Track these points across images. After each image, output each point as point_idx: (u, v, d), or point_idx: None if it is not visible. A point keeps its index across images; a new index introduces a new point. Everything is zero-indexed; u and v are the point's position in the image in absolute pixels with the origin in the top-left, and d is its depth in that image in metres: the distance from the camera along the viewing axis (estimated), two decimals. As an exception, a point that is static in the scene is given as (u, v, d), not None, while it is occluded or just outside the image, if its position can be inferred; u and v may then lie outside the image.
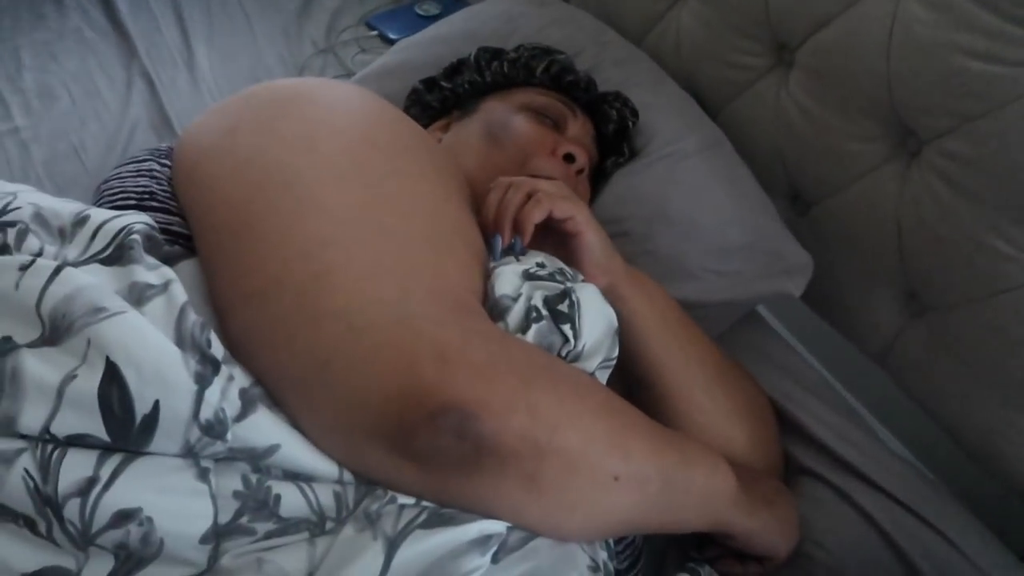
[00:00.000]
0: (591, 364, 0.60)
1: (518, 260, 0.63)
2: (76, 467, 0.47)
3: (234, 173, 0.60)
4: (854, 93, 0.81)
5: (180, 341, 0.51)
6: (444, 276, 0.57)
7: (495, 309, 0.59)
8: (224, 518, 0.49)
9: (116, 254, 0.54)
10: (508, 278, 0.60)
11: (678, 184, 0.86)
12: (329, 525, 0.51)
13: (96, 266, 0.54)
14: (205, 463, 0.50)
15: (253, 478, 0.51)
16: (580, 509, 0.53)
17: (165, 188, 0.67)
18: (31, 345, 0.49)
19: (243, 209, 0.58)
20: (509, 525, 0.51)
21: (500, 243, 0.64)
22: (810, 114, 0.86)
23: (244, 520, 0.50)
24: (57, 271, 0.51)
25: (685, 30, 1.00)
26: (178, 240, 0.63)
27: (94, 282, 0.51)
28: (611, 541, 0.61)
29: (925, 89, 0.74)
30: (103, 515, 0.47)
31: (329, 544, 0.49)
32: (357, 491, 0.52)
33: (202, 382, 0.49)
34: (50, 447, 0.48)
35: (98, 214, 0.57)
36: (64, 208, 0.57)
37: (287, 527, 0.50)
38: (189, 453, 0.50)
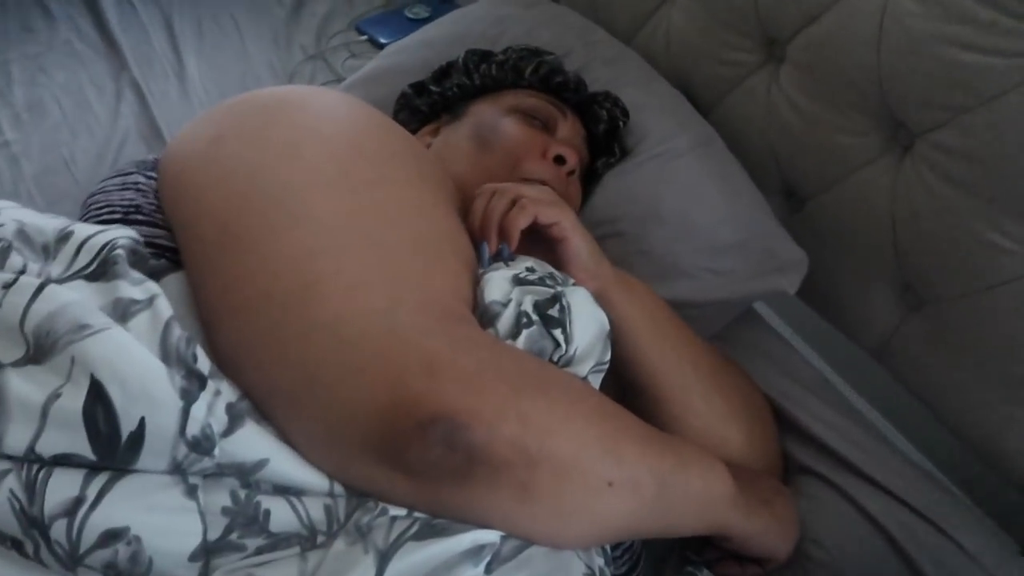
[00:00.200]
0: (583, 368, 0.60)
1: (507, 266, 0.63)
2: (62, 487, 0.47)
3: (219, 183, 0.59)
4: (845, 87, 0.80)
5: (165, 357, 0.50)
6: (432, 284, 0.56)
7: (485, 315, 0.58)
8: (213, 535, 0.49)
9: (100, 270, 0.54)
10: (497, 284, 0.60)
11: (670, 183, 0.86)
12: (320, 539, 0.50)
13: (80, 282, 0.53)
14: (193, 480, 0.50)
15: (242, 494, 0.50)
16: (574, 516, 0.52)
17: (151, 201, 0.66)
18: (15, 364, 0.49)
19: (229, 220, 0.57)
20: (503, 534, 0.51)
21: (487, 250, 0.63)
22: (802, 109, 0.85)
23: (234, 536, 0.49)
24: (40, 288, 0.51)
25: (675, 28, 0.99)
26: (164, 253, 0.62)
27: (78, 299, 0.51)
28: (608, 547, 0.61)
29: (916, 82, 0.73)
30: (90, 535, 0.46)
31: (320, 558, 0.49)
32: (348, 504, 0.51)
33: (188, 398, 0.49)
34: (35, 467, 0.47)
35: (81, 229, 0.56)
36: (48, 224, 0.57)
37: (278, 542, 0.50)
38: (177, 470, 0.49)
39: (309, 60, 1.25)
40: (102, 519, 0.47)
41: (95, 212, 0.67)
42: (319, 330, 0.51)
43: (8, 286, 0.50)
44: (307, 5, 1.36)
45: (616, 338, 0.64)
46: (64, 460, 0.48)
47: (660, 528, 0.59)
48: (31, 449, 0.47)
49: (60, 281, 0.53)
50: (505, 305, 0.59)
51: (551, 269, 0.64)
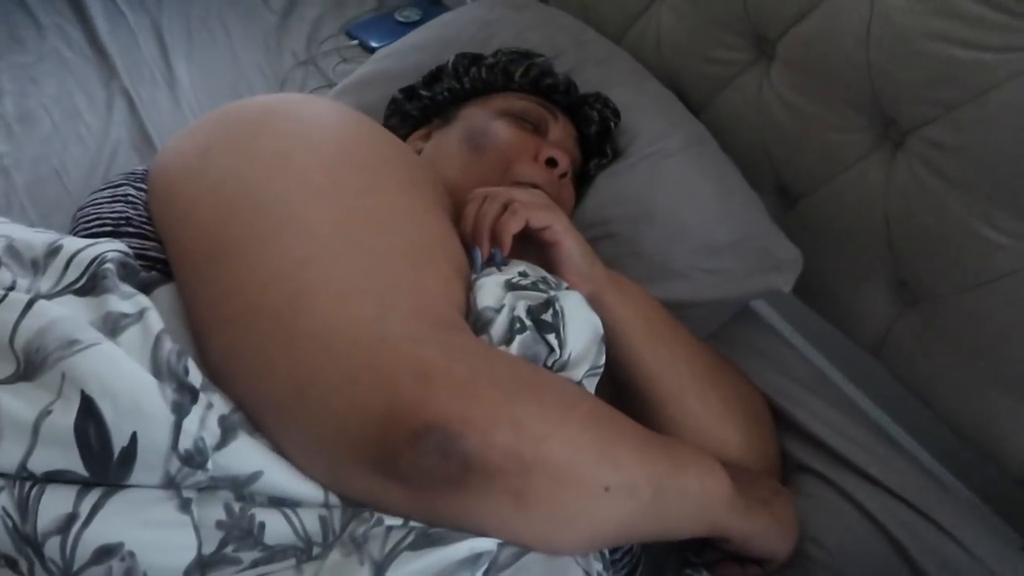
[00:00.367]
0: (578, 373, 0.60)
1: (500, 271, 0.63)
2: (55, 504, 0.47)
3: (208, 194, 0.59)
4: (836, 84, 0.80)
5: (156, 370, 0.50)
6: (424, 292, 0.56)
7: (478, 322, 0.58)
8: (208, 549, 0.49)
9: (89, 284, 0.54)
10: (490, 289, 0.60)
11: (663, 183, 0.85)
12: (316, 551, 0.50)
13: (70, 297, 0.53)
14: (187, 493, 0.49)
15: (236, 506, 0.50)
16: (571, 522, 0.52)
17: (141, 213, 0.66)
18: (5, 381, 0.49)
19: (218, 231, 0.57)
20: (499, 542, 0.50)
21: (479, 256, 0.63)
22: (793, 107, 0.85)
23: (229, 550, 0.49)
24: (30, 304, 0.50)
25: (665, 27, 0.99)
26: (155, 266, 0.62)
27: (67, 314, 0.51)
28: (606, 551, 0.60)
29: (906, 78, 0.73)
30: (84, 552, 0.46)
31: (316, 570, 0.49)
32: (344, 514, 0.51)
33: (180, 412, 0.49)
34: (28, 485, 0.47)
35: (70, 244, 0.56)
36: (36, 239, 0.57)
37: (273, 555, 0.50)
38: (170, 484, 0.49)
39: (300, 66, 1.25)
40: (96, 536, 0.47)
41: (85, 225, 0.67)
42: (310, 340, 0.51)
43: (-3, 303, 0.50)
44: (297, 10, 1.36)
45: (610, 341, 0.64)
46: (56, 477, 0.47)
47: (658, 531, 0.59)
48: (23, 466, 0.47)
49: (49, 296, 0.53)
50: (498, 311, 0.58)
51: (544, 273, 0.64)
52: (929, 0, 0.69)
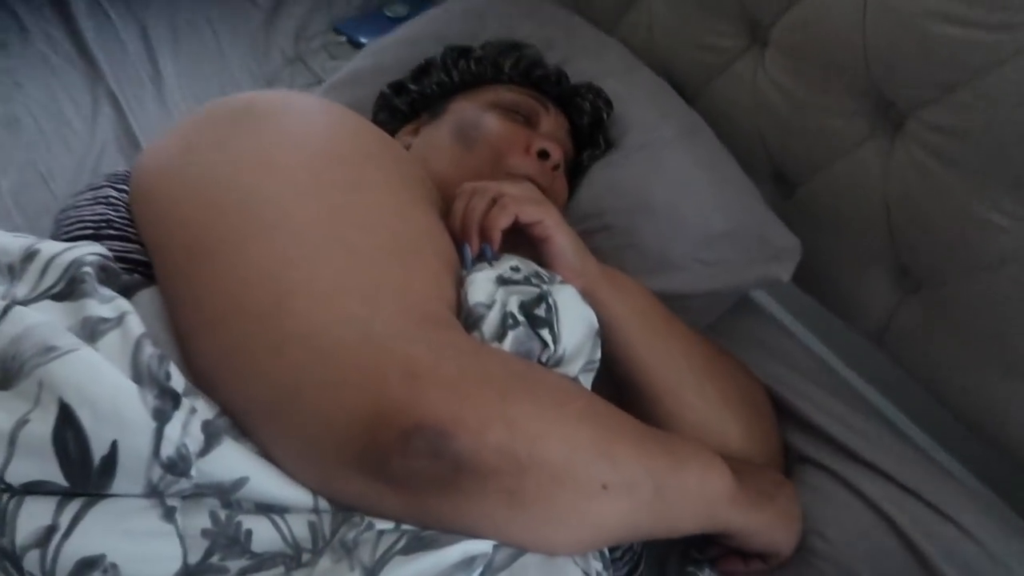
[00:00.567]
0: (573, 368, 0.58)
1: (491, 266, 0.61)
2: (34, 516, 0.45)
3: (190, 195, 0.58)
4: (831, 68, 0.78)
5: (137, 376, 0.49)
6: (412, 289, 0.55)
7: (469, 318, 0.57)
8: (194, 558, 0.47)
9: (68, 289, 0.52)
10: (481, 285, 0.58)
11: (658, 174, 0.84)
12: (305, 557, 0.49)
13: (47, 303, 0.52)
14: (171, 502, 0.48)
15: (222, 514, 0.48)
16: (568, 522, 0.50)
17: (123, 215, 0.64)
18: (-19, 390, 0.47)
19: (200, 232, 0.55)
20: (495, 543, 0.49)
21: (469, 252, 0.61)
22: (789, 93, 0.83)
23: (215, 559, 0.47)
24: (6, 311, 0.49)
25: (657, 15, 0.97)
26: (137, 268, 0.60)
27: (45, 320, 0.49)
28: (606, 549, 0.59)
29: (903, 59, 0.71)
30: (65, 565, 0.45)
31: (306, 577, 0.47)
32: (334, 519, 0.50)
33: (161, 418, 0.47)
34: (6, 496, 0.46)
35: (48, 248, 0.55)
36: (13, 243, 0.55)
37: (262, 562, 0.48)
38: (153, 493, 0.48)
39: (288, 64, 1.23)
40: (77, 547, 0.45)
41: (67, 228, 0.65)
42: (295, 341, 0.50)
43: (-28, 310, 0.49)
44: (284, 7, 1.34)
45: (606, 336, 0.62)
46: (35, 488, 0.46)
47: (658, 529, 0.57)
48: (0, 478, 0.45)
49: (26, 302, 0.51)
50: (490, 307, 0.57)
51: (537, 267, 0.63)
52: (924, -22, 0.67)
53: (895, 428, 0.80)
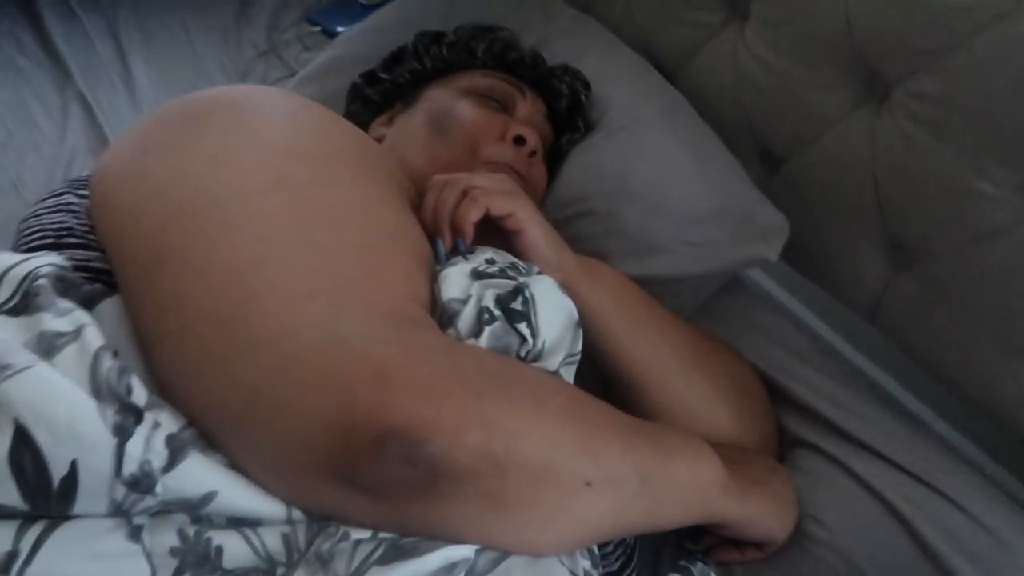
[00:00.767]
0: (554, 362, 0.56)
1: (466, 259, 0.59)
2: (-7, 542, 0.43)
3: (149, 199, 0.55)
4: (813, 39, 0.76)
5: (96, 391, 0.46)
6: (382, 287, 0.53)
7: (444, 315, 0.55)
8: (163, 578, 0.45)
9: (23, 303, 0.50)
10: (455, 279, 0.56)
11: (639, 155, 0.82)
12: (280, 571, 0.47)
13: (2, 318, 0.50)
14: (138, 520, 0.46)
15: (191, 531, 0.46)
16: (552, 522, 0.49)
17: (84, 222, 0.62)
18: (-67, 413, 0.45)
19: (160, 238, 0.53)
20: (477, 547, 0.47)
21: (442, 247, 0.59)
22: (771, 66, 0.81)
23: (186, 578, 0.46)
24: (-42, 329, 0.47)
25: (634, -9, 0.95)
26: (99, 277, 0.58)
27: (-1, 337, 0.47)
28: (595, 546, 0.57)
29: (887, 27, 0.69)
30: (28, 591, 0.43)
31: (280, 592, 0.46)
32: (308, 530, 0.48)
33: (122, 434, 0.45)
34: (-36, 523, 0.44)
35: (2, 260, 0.52)
36: (-35, 258, 0.53)
37: (234, 579, 0.47)
38: (118, 512, 0.46)
39: (261, 56, 1.20)
40: (40, 573, 0.43)
41: (27, 238, 0.63)
42: (260, 347, 0.48)
43: (-79, 329, 0.47)
44: (256, -1, 1.31)
45: (587, 329, 0.60)
46: (-6, 512, 0.44)
47: (648, 523, 0.56)
48: (-44, 504, 0.44)
49: (-20, 318, 0.49)
50: (464, 302, 0.55)
51: (513, 259, 0.61)
52: (906, -58, 0.65)
53: (892, 406, 0.78)
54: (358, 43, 1.01)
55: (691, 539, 0.67)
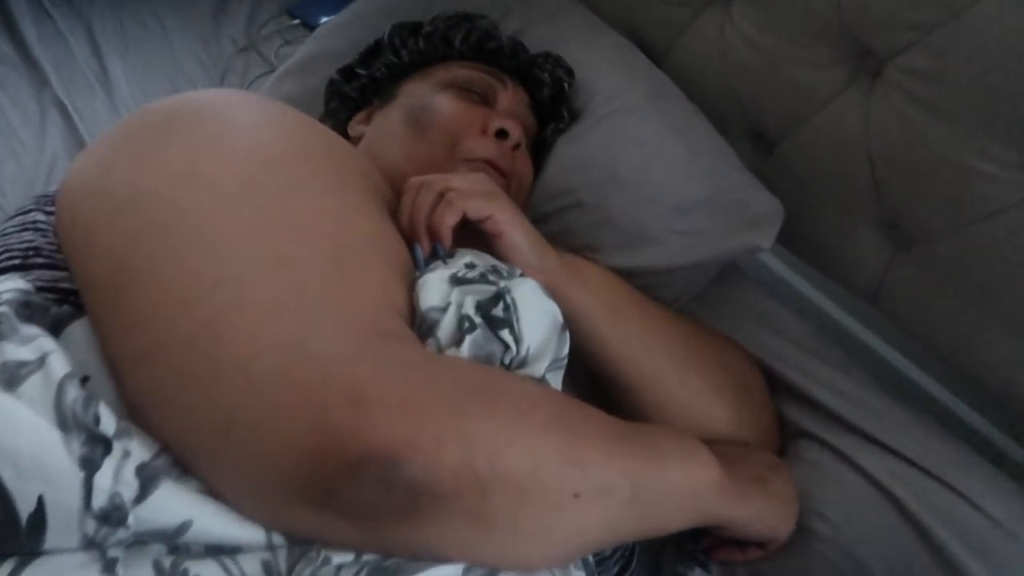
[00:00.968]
0: (539, 368, 0.54)
1: (445, 264, 0.57)
2: (-38, 583, 0.42)
3: (112, 217, 0.53)
4: (801, 15, 0.73)
5: (62, 422, 0.45)
6: (356, 300, 0.51)
7: (423, 324, 0.53)
8: (140, 613, 0.44)
9: (-16, 332, 0.48)
10: (434, 287, 0.54)
11: (627, 143, 0.79)
12: (261, 599, 0.46)
13: (-37, 349, 0.48)
14: (113, 552, 0.45)
15: (167, 561, 0.45)
16: (541, 537, 0.47)
17: (51, 241, 0.60)
18: None
19: (123, 258, 0.51)
20: (465, 566, 0.46)
21: (420, 252, 0.57)
22: (759, 45, 0.78)
23: (162, 611, 0.44)
24: (-83, 361, 0.45)
25: (617, -30, 0.92)
26: (68, 298, 0.56)
27: (-41, 370, 0.45)
28: (589, 556, 0.56)
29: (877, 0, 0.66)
30: (-1, 633, 0.42)
31: (262, 621, 0.44)
32: (289, 555, 0.46)
33: (90, 467, 0.43)
34: (-69, 565, 0.43)
35: (-39, 288, 0.51)
36: (-75, 286, 0.51)
37: (214, 610, 0.45)
38: (91, 545, 0.44)
39: (241, 52, 1.18)
40: (12, 612, 0.42)
41: (-6, 258, 0.61)
42: (229, 370, 0.46)
43: None
44: (234, -8, 1.28)
45: (574, 331, 0.58)
46: (-38, 552, 0.43)
47: (643, 530, 0.54)
48: (-78, 545, 0.42)
49: (-60, 350, 0.47)
50: (444, 310, 0.53)
51: (494, 261, 0.59)
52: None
53: (901, 383, 0.75)
54: (335, 37, 0.98)
55: (691, 539, 0.65)
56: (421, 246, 0.58)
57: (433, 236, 0.58)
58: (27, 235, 0.61)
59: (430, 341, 0.52)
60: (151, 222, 0.52)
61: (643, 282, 0.75)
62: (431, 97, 0.76)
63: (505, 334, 0.53)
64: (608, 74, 0.84)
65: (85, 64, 1.17)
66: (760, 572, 0.65)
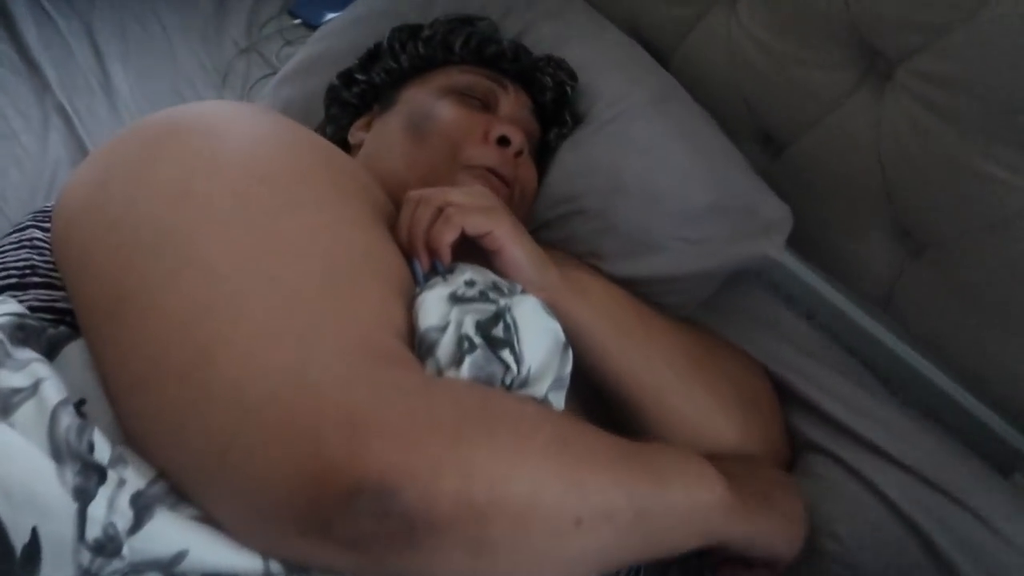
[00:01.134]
0: (541, 388, 0.53)
1: (445, 280, 0.56)
2: (-43, 616, 0.42)
3: (105, 236, 0.53)
4: (810, 15, 0.71)
5: (56, 451, 0.44)
6: (351, 321, 0.50)
7: (422, 345, 0.52)
8: (136, 644, 0.44)
9: (-23, 359, 0.48)
10: (433, 305, 0.53)
11: (631, 148, 0.77)
12: (259, 628, 0.45)
13: (-44, 377, 0.47)
14: (108, 583, 0.44)
15: (163, 592, 0.45)
16: (543, 564, 0.47)
17: (48, 259, 0.59)
18: None
19: (116, 280, 0.50)
20: (466, 594, 0.45)
21: (419, 268, 0.56)
22: (767, 47, 0.76)
23: (159, 642, 0.44)
24: (-90, 390, 0.45)
25: (621, -32, 0.90)
26: (65, 318, 0.56)
27: (-48, 398, 0.45)
28: None
29: (887, 1, 0.64)
30: (-7, 667, 0.41)
31: (260, 651, 0.44)
32: (288, 582, 0.46)
33: (83, 497, 0.43)
34: (-76, 598, 0.42)
35: (-44, 314, 0.50)
36: (-84, 310, 0.51)
37: (211, 640, 0.45)
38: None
39: (242, 54, 1.16)
40: (7, 646, 0.42)
41: (-9, 277, 0.61)
42: (224, 397, 0.45)
43: None
44: (235, -8, 1.27)
45: (577, 347, 0.57)
46: (-44, 585, 0.42)
47: (647, 553, 0.53)
48: (-85, 579, 0.42)
49: (-67, 377, 0.47)
50: (443, 329, 0.52)
51: (495, 277, 0.58)
52: (904, -88, 0.60)
53: (907, 408, 0.73)
54: (335, 39, 0.96)
55: (697, 555, 0.64)
56: (420, 262, 0.57)
57: (432, 252, 0.57)
58: (24, 253, 0.61)
59: (429, 362, 0.51)
60: (142, 243, 0.51)
61: (648, 290, 0.74)
62: (431, 104, 0.75)
63: (506, 354, 0.51)
64: (612, 76, 0.82)
65: (87, 67, 1.16)
66: (768, 589, 0.63)
